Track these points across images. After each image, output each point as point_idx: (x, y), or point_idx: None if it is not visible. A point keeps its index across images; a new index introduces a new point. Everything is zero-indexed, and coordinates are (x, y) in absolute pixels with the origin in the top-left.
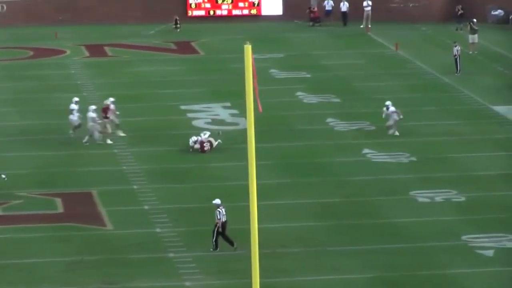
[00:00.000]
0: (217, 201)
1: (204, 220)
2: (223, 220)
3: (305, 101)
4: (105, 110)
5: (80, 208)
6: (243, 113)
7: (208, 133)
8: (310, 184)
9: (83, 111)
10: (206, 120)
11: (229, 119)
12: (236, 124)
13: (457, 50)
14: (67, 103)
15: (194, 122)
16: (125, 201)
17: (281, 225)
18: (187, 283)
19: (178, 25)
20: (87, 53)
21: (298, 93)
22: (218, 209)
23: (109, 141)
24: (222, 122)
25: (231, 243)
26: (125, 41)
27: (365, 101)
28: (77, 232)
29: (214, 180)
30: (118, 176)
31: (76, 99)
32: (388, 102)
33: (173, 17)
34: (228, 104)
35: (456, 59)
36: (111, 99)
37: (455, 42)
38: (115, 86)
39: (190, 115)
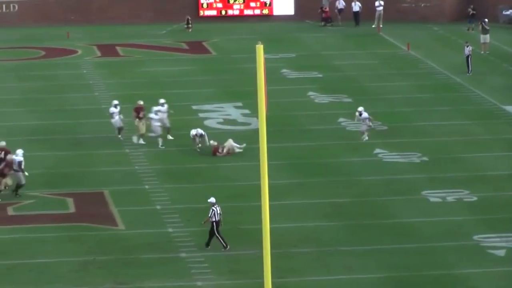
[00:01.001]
0: (212, 199)
1: None
2: (217, 219)
3: (316, 101)
4: (137, 110)
5: (92, 208)
6: (254, 113)
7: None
8: (322, 184)
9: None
10: (218, 120)
11: (241, 119)
12: (248, 124)
13: (469, 50)
14: (79, 103)
15: (206, 122)
16: (137, 201)
17: (292, 225)
18: (199, 283)
19: (190, 25)
20: (99, 53)
21: (310, 93)
22: (213, 208)
23: (141, 141)
24: (233, 122)
25: (225, 244)
26: (136, 41)
27: (376, 101)
28: (89, 232)
29: (226, 180)
30: (130, 176)
31: (116, 102)
32: (360, 108)
33: (185, 17)
34: (240, 104)
35: (467, 59)
36: (162, 100)
37: (467, 42)
38: (126, 86)
39: (201, 115)
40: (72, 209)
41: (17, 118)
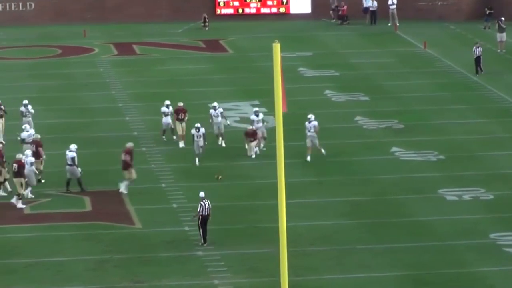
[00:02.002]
0: (202, 194)
1: (233, 219)
2: (205, 214)
3: (333, 99)
4: (177, 111)
5: (109, 207)
6: (271, 111)
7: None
8: (339, 183)
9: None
10: (234, 119)
11: (257, 118)
12: (265, 122)
13: (479, 51)
14: (96, 101)
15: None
16: (153, 199)
17: (309, 223)
18: (216, 282)
19: (207, 23)
20: (115, 51)
21: (327, 92)
22: (201, 202)
23: (182, 144)
24: (249, 122)
25: (204, 240)
26: (153, 39)
27: (393, 99)
28: (106, 230)
29: (242, 179)
30: (147, 174)
31: (168, 102)
32: (310, 115)
33: (202, 15)
34: (257, 102)
35: (477, 60)
36: (215, 103)
37: (476, 43)
38: (143, 84)
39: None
40: (88, 207)
41: (34, 116)
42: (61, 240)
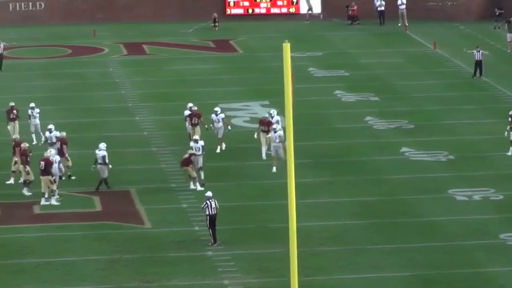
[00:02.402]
0: (209, 193)
1: (243, 219)
2: (212, 213)
3: (343, 99)
4: (190, 116)
5: (119, 207)
6: (281, 111)
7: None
8: (349, 183)
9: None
10: (244, 119)
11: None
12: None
13: (480, 55)
14: (106, 101)
15: (233, 121)
16: (163, 199)
17: (319, 223)
18: (226, 282)
19: (217, 23)
20: (125, 51)
21: (337, 92)
22: (207, 201)
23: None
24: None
25: (214, 240)
26: (163, 39)
27: (403, 99)
28: (115, 230)
29: (252, 179)
30: (157, 174)
31: (190, 104)
32: (275, 125)
33: (212, 15)
34: (267, 102)
35: (477, 64)
36: (217, 108)
37: (477, 47)
38: (153, 84)
39: (228, 113)
40: (98, 207)
41: (44, 116)
42: (71, 240)
